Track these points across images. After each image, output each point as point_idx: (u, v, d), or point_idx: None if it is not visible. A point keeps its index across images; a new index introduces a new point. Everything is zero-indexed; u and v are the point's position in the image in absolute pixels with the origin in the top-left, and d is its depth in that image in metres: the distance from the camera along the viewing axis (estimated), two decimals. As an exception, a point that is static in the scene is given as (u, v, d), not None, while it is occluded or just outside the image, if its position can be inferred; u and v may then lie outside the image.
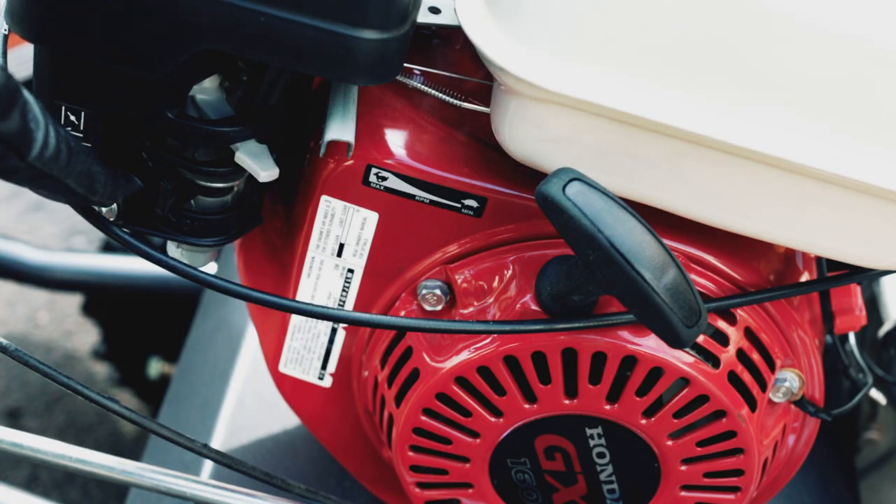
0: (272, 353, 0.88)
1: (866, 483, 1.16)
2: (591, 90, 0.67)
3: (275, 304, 0.73)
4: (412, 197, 0.77)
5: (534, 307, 0.76)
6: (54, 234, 2.13)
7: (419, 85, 0.77)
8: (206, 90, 0.73)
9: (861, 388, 0.88)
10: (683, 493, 0.81)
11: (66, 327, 1.99)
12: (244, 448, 1.05)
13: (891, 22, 0.66)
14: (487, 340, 0.76)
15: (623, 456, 0.79)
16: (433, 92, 0.77)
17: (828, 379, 0.86)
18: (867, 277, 0.81)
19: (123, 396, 1.81)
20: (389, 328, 0.80)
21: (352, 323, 0.78)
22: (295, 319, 0.85)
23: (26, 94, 0.60)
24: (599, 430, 0.78)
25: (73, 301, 1.98)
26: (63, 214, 2.16)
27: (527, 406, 0.77)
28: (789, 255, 0.83)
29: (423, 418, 0.79)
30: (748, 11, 0.66)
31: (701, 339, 0.76)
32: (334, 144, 0.75)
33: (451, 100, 0.77)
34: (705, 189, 0.71)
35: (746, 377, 0.77)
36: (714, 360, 0.76)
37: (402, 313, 0.81)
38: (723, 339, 0.77)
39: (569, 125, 0.70)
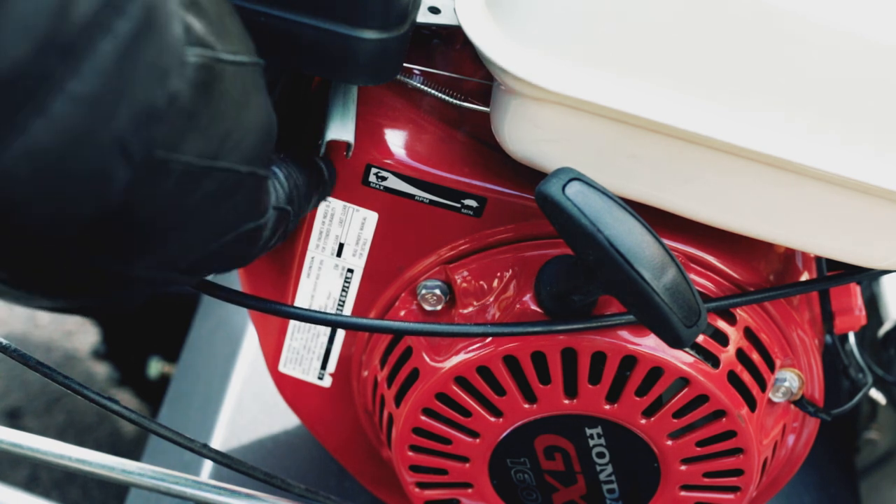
0: (272, 353, 0.88)
1: (866, 483, 1.16)
2: (591, 90, 0.67)
3: (272, 310, 0.73)
4: (412, 197, 0.77)
5: (533, 307, 0.75)
6: (54, 234, 2.13)
7: (419, 85, 0.77)
8: (206, 90, 0.73)
9: (861, 388, 0.88)
10: (683, 493, 0.81)
11: (66, 327, 1.98)
12: (244, 448, 1.05)
13: (891, 21, 0.66)
14: (487, 340, 0.76)
15: (623, 456, 0.79)
16: (433, 92, 0.77)
17: (828, 379, 0.86)
18: (867, 277, 0.81)
19: (123, 396, 1.80)
20: (387, 332, 0.80)
21: (350, 328, 0.77)
22: (295, 319, 0.85)
23: (282, 205, 0.65)
24: (599, 429, 0.78)
25: (73, 301, 1.98)
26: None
27: (526, 406, 0.77)
28: (789, 255, 0.83)
29: (423, 418, 0.79)
30: (747, 11, 0.66)
31: (700, 339, 0.76)
32: (334, 144, 0.75)
33: (451, 100, 0.77)
34: (705, 189, 0.71)
35: (746, 377, 0.77)
36: (714, 360, 0.76)
37: (402, 313, 0.81)
38: (722, 339, 0.77)
39: (569, 125, 0.70)
